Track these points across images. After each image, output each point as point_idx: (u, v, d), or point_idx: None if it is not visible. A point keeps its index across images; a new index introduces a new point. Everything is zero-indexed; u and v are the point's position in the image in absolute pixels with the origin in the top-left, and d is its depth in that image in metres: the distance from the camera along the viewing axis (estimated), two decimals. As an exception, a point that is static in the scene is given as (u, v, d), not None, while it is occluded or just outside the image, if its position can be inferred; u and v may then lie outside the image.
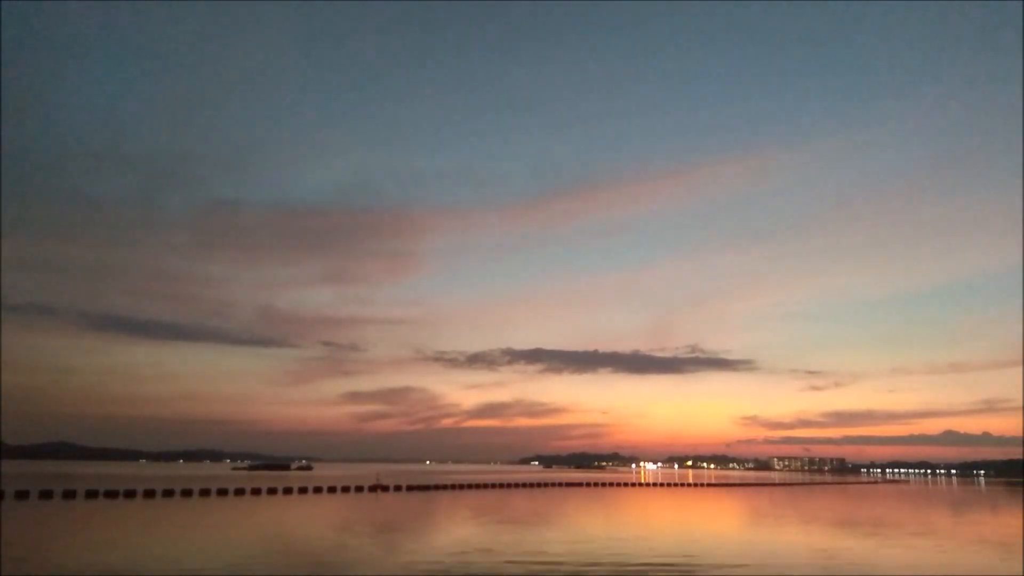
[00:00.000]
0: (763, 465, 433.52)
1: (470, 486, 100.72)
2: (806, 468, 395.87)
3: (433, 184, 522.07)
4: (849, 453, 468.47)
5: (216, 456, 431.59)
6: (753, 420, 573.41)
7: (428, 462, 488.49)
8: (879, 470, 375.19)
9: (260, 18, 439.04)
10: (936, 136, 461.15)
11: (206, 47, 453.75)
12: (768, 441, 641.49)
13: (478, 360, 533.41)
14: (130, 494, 69.34)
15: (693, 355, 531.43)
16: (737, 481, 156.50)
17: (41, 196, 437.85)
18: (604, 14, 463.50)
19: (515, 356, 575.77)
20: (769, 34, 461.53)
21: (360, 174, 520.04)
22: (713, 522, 52.56)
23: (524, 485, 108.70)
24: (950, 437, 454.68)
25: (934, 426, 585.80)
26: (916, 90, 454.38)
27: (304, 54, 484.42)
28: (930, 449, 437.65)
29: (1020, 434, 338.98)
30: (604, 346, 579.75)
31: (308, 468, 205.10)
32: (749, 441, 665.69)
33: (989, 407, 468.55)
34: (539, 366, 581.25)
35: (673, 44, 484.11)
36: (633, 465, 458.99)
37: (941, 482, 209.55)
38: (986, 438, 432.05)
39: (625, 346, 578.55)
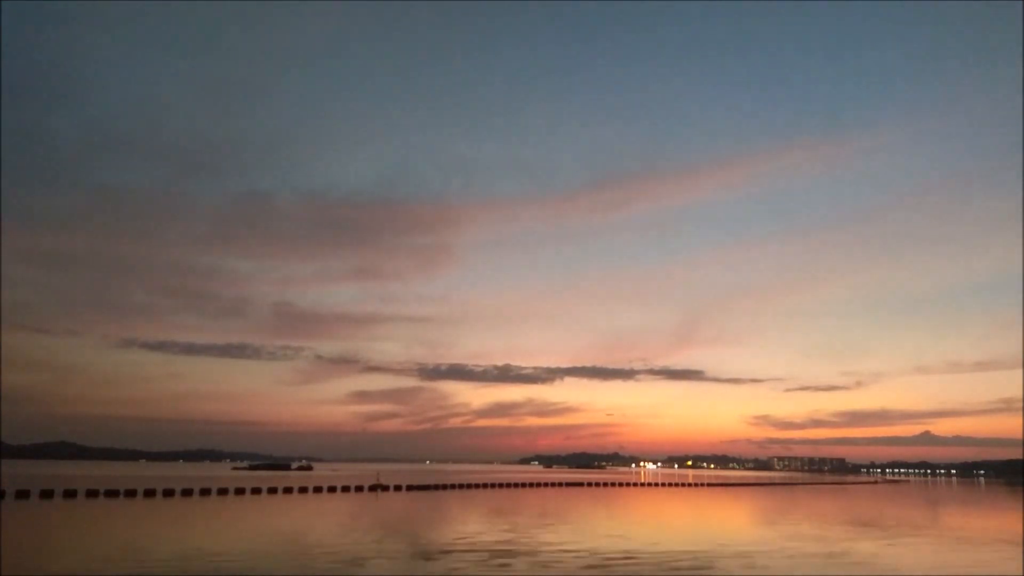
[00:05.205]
0: (763, 465, 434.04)
1: (471, 486, 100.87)
2: (806, 468, 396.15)
3: (477, 173, 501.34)
4: (850, 453, 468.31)
5: (216, 456, 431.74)
6: (764, 420, 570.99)
7: (428, 462, 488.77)
8: (879, 470, 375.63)
9: (300, 2, 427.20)
10: (977, 132, 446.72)
11: (244, 31, 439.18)
12: (773, 441, 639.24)
13: (495, 360, 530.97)
14: (131, 494, 69.50)
15: (712, 356, 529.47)
16: (737, 481, 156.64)
17: (58, 186, 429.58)
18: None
19: (531, 356, 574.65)
20: (828, 20, 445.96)
21: (402, 163, 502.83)
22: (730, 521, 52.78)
23: (525, 485, 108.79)
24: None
25: (945, 426, 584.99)
26: (979, 81, 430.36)
27: (346, 38, 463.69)
28: (932, 449, 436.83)
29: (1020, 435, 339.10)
30: (627, 345, 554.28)
31: (308, 468, 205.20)
32: (752, 441, 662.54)
33: (1008, 407, 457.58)
34: (557, 367, 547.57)
35: (729, 30, 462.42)
36: (633, 465, 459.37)
37: (941, 482, 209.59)
38: (988, 439, 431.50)
39: (648, 345, 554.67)
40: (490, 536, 37.19)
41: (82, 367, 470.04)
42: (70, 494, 66.87)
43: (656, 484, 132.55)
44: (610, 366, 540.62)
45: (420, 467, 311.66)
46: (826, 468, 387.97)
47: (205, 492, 73.90)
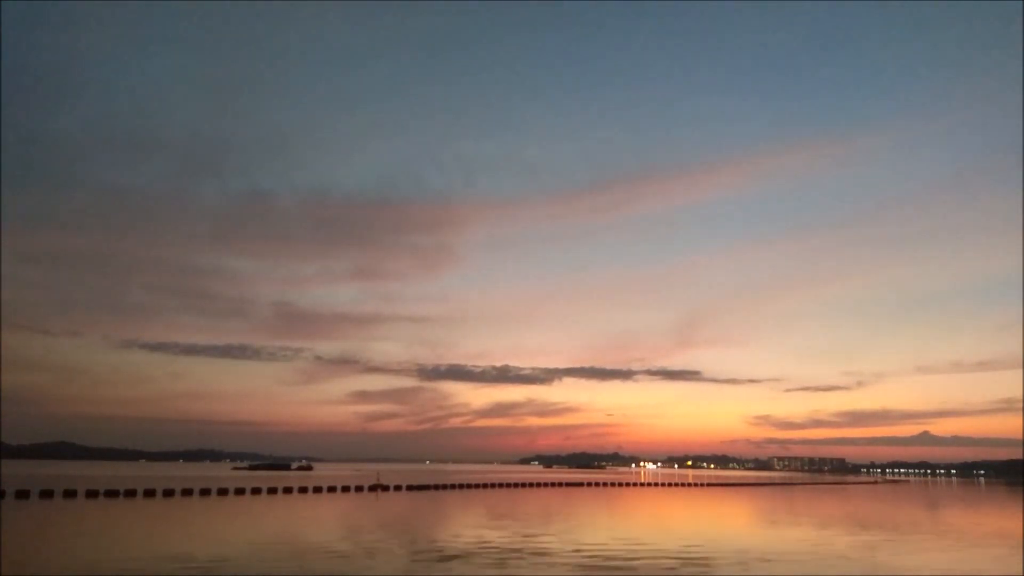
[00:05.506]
0: (763, 465, 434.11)
1: (471, 486, 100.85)
2: (806, 468, 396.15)
3: (478, 173, 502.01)
4: (850, 453, 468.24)
5: (216, 456, 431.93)
6: (764, 420, 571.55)
7: (428, 462, 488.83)
8: (879, 470, 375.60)
9: (302, 2, 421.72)
10: (977, 132, 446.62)
11: (245, 31, 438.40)
12: (773, 441, 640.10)
13: (494, 360, 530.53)
14: (131, 494, 69.46)
15: (711, 356, 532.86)
16: (737, 481, 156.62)
17: (59, 186, 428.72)
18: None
19: (530, 357, 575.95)
20: (829, 21, 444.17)
21: (403, 163, 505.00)
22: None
23: (525, 485, 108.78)
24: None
25: (945, 426, 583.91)
26: (979, 81, 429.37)
27: (348, 38, 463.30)
28: (932, 449, 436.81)
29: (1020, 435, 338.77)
30: (626, 345, 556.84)
31: (308, 468, 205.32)
32: (751, 441, 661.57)
33: (1008, 406, 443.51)
34: (555, 367, 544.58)
35: (729, 31, 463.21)
36: (633, 465, 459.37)
37: (941, 482, 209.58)
38: (988, 439, 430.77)
39: (647, 346, 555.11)
40: (491, 536, 37.14)
41: (83, 367, 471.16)
42: (70, 494, 66.82)
43: (657, 484, 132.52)
44: (608, 367, 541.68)
45: (420, 467, 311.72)
46: (826, 468, 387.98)
47: (205, 492, 73.84)
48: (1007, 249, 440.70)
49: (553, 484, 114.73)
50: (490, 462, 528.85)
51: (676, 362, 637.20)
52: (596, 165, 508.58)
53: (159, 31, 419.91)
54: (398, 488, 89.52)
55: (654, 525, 48.19)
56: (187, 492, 73.08)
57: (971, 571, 28.95)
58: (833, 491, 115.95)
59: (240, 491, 76.42)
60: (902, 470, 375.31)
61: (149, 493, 70.83)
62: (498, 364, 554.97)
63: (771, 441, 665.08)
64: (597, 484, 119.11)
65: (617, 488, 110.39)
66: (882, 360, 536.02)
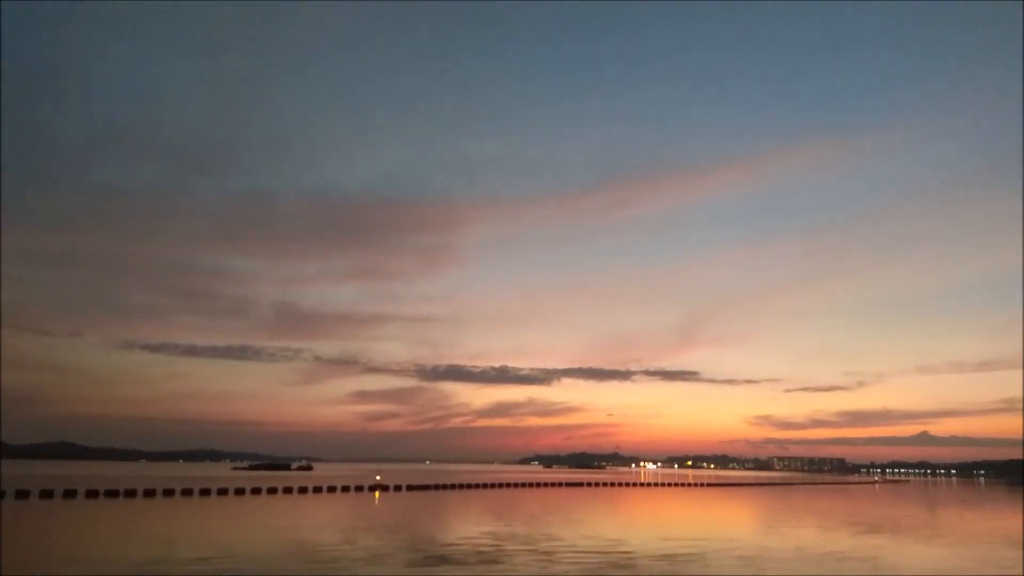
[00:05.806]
0: (763, 465, 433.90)
1: (471, 486, 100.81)
2: (805, 468, 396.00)
3: (481, 173, 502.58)
4: (850, 453, 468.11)
5: (216, 456, 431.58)
6: (764, 420, 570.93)
7: (428, 462, 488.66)
8: (879, 470, 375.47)
9: (304, 1, 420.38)
10: (977, 132, 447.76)
11: (248, 30, 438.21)
12: (773, 441, 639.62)
13: (494, 361, 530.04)
14: (130, 494, 69.45)
15: (712, 357, 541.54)
16: (738, 481, 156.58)
17: (59, 186, 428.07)
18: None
19: (530, 358, 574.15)
20: (830, 21, 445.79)
21: (406, 162, 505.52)
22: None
23: (525, 485, 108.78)
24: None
25: (946, 426, 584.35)
26: (979, 81, 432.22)
27: (351, 37, 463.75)
28: (932, 449, 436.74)
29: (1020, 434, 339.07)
30: (625, 346, 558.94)
31: (308, 468, 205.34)
32: (751, 442, 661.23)
33: (1008, 407, 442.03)
34: (554, 368, 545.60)
35: (732, 32, 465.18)
36: (633, 465, 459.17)
37: (941, 483, 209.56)
38: (988, 439, 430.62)
39: (647, 346, 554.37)
40: (491, 535, 37.13)
41: (83, 368, 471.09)
42: (70, 494, 66.78)
43: (657, 484, 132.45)
44: (608, 367, 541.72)
45: (420, 467, 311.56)
46: (826, 468, 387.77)
47: (205, 492, 73.81)
48: (1007, 249, 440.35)
49: (553, 484, 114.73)
50: (490, 462, 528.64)
51: (676, 362, 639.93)
52: (598, 165, 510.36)
53: (159, 31, 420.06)
54: (398, 488, 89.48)
55: (656, 525, 48.18)
56: (187, 492, 73.05)
57: (972, 571, 28.93)
58: (833, 491, 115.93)
59: (240, 491, 76.39)
60: (902, 470, 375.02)
61: (149, 493, 70.81)
62: (498, 364, 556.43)
63: (771, 441, 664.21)
64: (597, 484, 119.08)
65: (617, 488, 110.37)
66: (882, 360, 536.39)
